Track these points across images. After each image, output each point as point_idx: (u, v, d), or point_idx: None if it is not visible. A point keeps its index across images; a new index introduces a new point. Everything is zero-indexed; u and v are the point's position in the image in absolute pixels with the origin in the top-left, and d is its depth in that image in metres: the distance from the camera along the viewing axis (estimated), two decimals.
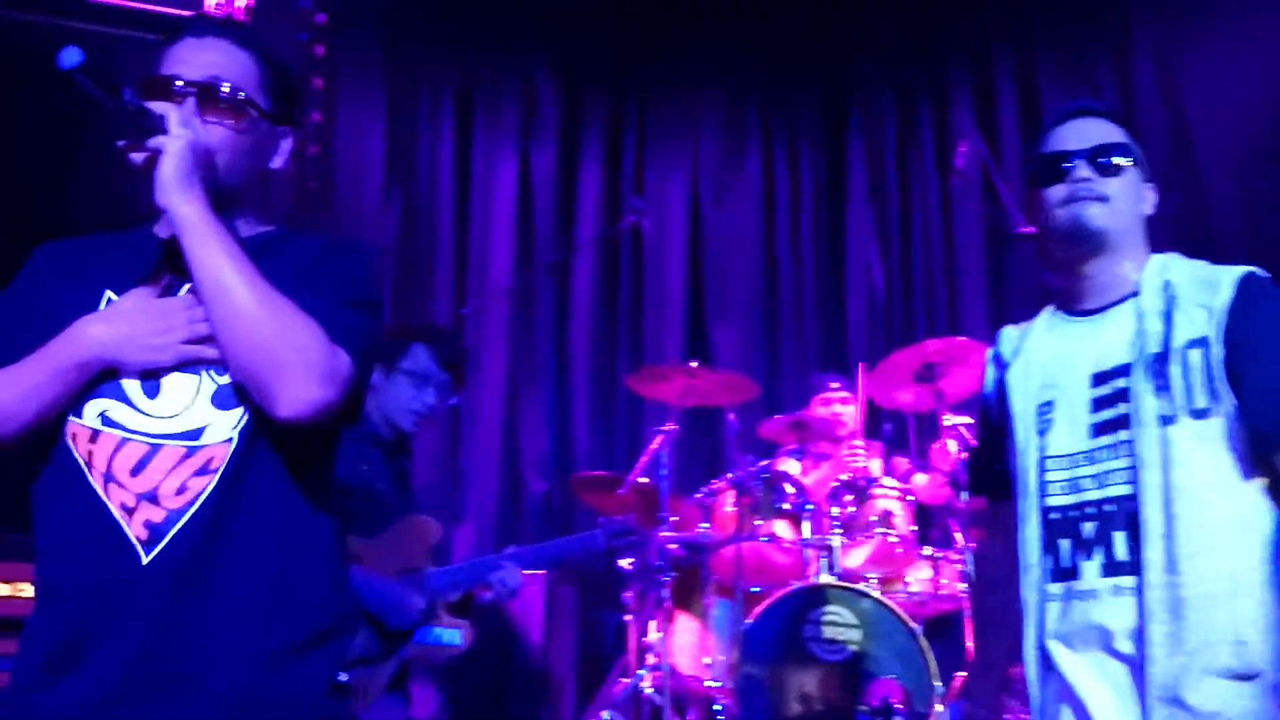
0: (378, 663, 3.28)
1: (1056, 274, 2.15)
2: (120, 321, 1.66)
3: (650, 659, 4.47)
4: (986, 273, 6.28)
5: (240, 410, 1.65)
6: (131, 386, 1.65)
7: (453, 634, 3.44)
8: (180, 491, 1.60)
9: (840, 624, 4.14)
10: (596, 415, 6.31)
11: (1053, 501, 2.03)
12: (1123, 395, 1.97)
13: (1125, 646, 1.91)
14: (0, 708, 1.62)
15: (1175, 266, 2.04)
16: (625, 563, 4.51)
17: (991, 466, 2.22)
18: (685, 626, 4.60)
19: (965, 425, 4.51)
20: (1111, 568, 1.94)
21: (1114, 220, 2.04)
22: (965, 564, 4.34)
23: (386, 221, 6.14)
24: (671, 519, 4.45)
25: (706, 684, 4.37)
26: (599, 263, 6.51)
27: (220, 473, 1.62)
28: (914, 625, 4.10)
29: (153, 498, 1.60)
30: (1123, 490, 1.94)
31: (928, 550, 4.57)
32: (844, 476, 4.65)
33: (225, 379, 1.66)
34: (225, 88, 1.73)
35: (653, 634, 4.49)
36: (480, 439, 6.10)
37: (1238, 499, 1.90)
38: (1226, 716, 1.81)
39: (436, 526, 3.52)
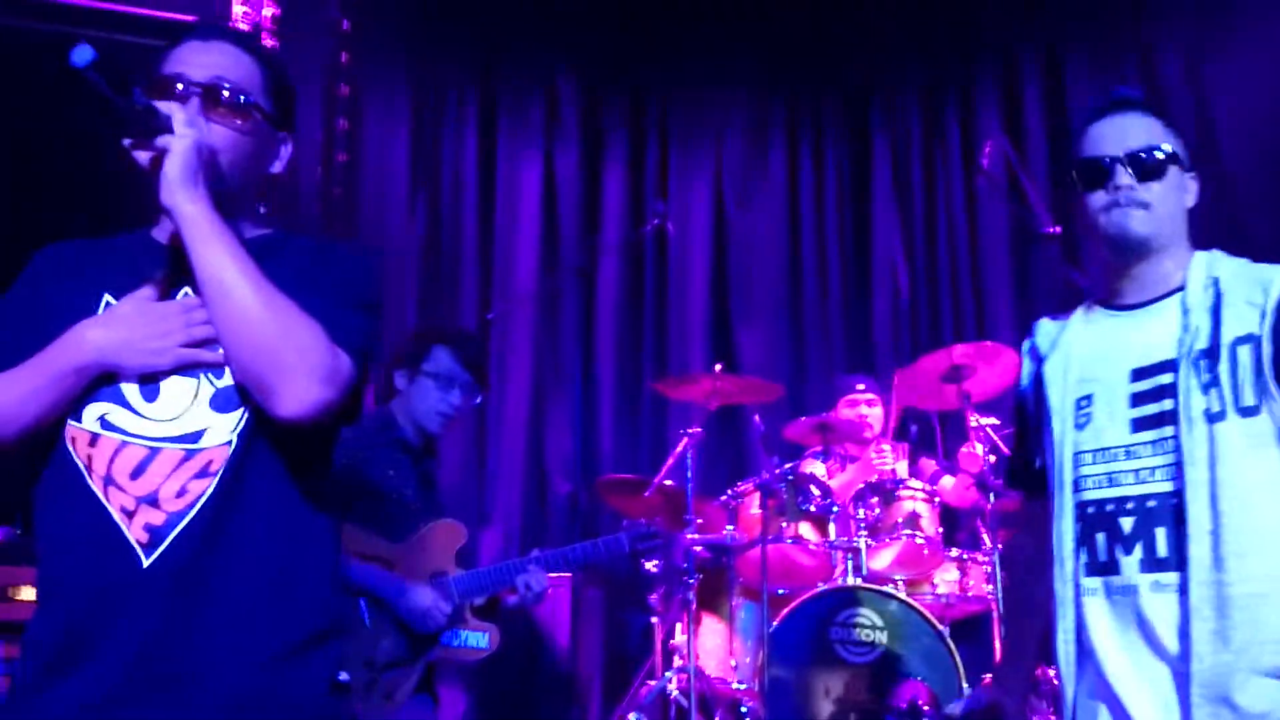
0: (406, 666, 3.31)
1: (1093, 273, 2.12)
2: (118, 326, 1.66)
3: (676, 661, 4.48)
4: (1012, 272, 6.25)
5: (239, 413, 1.66)
6: (130, 390, 1.66)
7: (479, 637, 3.46)
8: (180, 494, 1.61)
9: (867, 626, 4.14)
10: (622, 418, 6.31)
11: (1088, 495, 2.01)
12: (1165, 391, 1.95)
13: (1168, 643, 1.89)
14: (2, 709, 1.64)
15: (1221, 263, 2.02)
16: (651, 565, 4.52)
17: (1029, 463, 2.20)
18: (711, 629, 4.61)
19: (992, 426, 4.50)
20: (1152, 563, 1.92)
21: (1156, 225, 2.02)
22: (992, 566, 4.33)
23: (412, 227, 6.17)
24: (697, 521, 4.45)
25: (733, 686, 4.37)
26: (624, 266, 6.51)
27: (219, 475, 1.63)
28: (941, 627, 4.10)
29: (153, 501, 1.61)
30: (1165, 486, 1.93)
31: (955, 552, 4.57)
32: (871, 478, 4.64)
33: (223, 382, 1.66)
34: (228, 89, 1.74)
35: (679, 636, 4.50)
36: (506, 442, 6.12)
37: None
38: (1276, 717, 1.80)
39: (462, 530, 3.54)
